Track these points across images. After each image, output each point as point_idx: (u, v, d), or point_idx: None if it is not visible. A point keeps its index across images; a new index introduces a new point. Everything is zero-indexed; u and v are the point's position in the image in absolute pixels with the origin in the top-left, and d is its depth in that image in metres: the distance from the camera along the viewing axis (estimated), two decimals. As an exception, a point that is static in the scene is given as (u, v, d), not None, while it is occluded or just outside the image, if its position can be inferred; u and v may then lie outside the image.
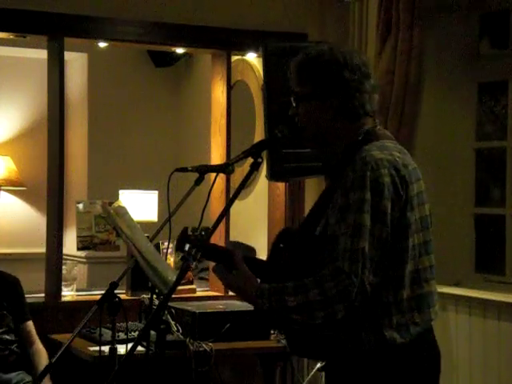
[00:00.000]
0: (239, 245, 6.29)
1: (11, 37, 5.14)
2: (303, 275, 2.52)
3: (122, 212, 3.59)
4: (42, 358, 4.50)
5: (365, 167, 2.50)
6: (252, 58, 6.06)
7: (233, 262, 2.63)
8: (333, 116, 2.65)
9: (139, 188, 5.87)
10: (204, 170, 2.80)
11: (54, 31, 5.01)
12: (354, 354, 2.55)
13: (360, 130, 2.65)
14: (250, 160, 2.70)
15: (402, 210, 2.52)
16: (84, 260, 7.01)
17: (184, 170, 2.81)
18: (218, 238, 5.38)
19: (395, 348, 2.54)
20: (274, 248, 2.73)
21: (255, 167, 2.69)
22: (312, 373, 4.75)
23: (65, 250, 5.26)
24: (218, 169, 2.81)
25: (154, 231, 3.18)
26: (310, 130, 2.70)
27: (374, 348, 2.52)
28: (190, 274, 5.27)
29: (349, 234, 2.46)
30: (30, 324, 4.58)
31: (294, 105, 2.73)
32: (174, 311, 4.51)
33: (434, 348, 2.66)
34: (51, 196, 5.09)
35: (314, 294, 2.45)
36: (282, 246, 2.69)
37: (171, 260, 5.22)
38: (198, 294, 5.33)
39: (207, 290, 5.49)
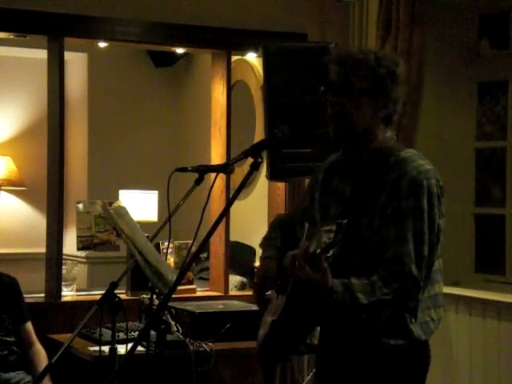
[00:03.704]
0: (239, 245, 6.30)
1: (11, 37, 5.14)
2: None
3: (122, 212, 3.58)
4: (42, 358, 4.48)
5: (419, 176, 2.64)
6: (252, 57, 6.06)
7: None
8: (376, 115, 2.71)
9: (139, 188, 5.87)
10: (204, 170, 2.80)
11: (54, 31, 5.01)
12: (382, 349, 2.66)
13: (386, 135, 2.74)
14: (250, 160, 2.70)
15: (439, 217, 2.67)
16: (84, 260, 7.01)
17: (184, 169, 2.80)
18: (218, 239, 5.38)
19: (419, 345, 2.69)
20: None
21: (255, 167, 2.69)
22: (312, 373, 4.75)
23: (65, 250, 5.26)
24: (218, 169, 2.81)
25: (154, 231, 3.18)
26: (344, 125, 2.71)
27: (401, 344, 2.66)
28: (190, 273, 5.27)
29: (411, 239, 2.58)
30: (29, 325, 4.54)
31: (333, 98, 2.72)
32: (173, 311, 4.51)
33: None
34: (51, 196, 5.09)
35: (384, 293, 2.55)
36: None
37: (171, 260, 5.22)
38: (198, 293, 5.33)
39: (207, 290, 5.49)
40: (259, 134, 6.05)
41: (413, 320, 2.65)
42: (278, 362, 3.87)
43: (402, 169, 2.65)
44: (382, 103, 2.70)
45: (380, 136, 2.73)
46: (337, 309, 2.58)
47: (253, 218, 6.25)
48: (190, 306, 4.62)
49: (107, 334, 4.02)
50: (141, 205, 5.69)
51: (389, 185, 2.64)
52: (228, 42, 5.43)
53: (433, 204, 2.63)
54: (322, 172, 2.91)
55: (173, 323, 4.43)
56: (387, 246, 2.60)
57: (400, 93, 2.73)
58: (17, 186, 7.35)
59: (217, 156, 5.49)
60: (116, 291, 3.14)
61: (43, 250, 5.12)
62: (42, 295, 5.07)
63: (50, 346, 4.56)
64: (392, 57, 2.80)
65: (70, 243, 6.30)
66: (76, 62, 7.34)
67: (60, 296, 5.02)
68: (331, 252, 2.47)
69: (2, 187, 7.30)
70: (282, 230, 2.99)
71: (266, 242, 2.99)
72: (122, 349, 3.54)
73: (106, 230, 5.24)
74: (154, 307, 3.24)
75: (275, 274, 2.83)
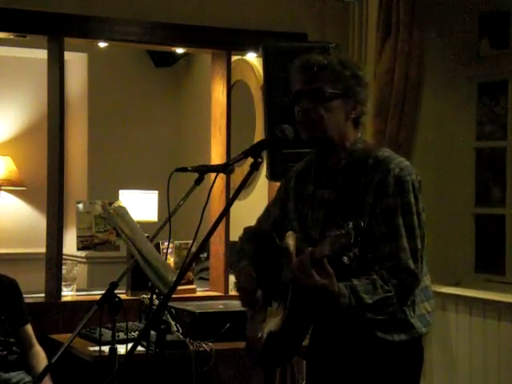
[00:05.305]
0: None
1: (11, 37, 5.13)
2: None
3: (122, 212, 3.58)
4: (41, 360, 4.47)
5: (403, 172, 2.69)
6: (252, 57, 6.06)
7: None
8: (347, 118, 2.77)
9: (139, 188, 5.87)
10: (204, 170, 2.80)
11: (54, 31, 5.01)
12: (383, 347, 2.69)
13: (358, 137, 2.81)
14: (250, 160, 2.71)
15: (423, 211, 2.74)
16: (84, 260, 7.01)
17: (184, 169, 2.81)
18: (218, 239, 5.38)
19: (418, 339, 2.74)
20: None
21: (255, 167, 2.70)
22: None
23: (65, 250, 5.26)
24: (218, 169, 2.81)
25: (154, 231, 3.18)
26: (318, 129, 2.75)
27: (404, 340, 2.70)
28: (190, 273, 5.27)
29: (404, 235, 2.64)
30: (29, 327, 4.52)
31: (304, 104, 2.76)
32: (174, 311, 4.51)
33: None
34: (51, 196, 5.09)
35: (386, 290, 2.59)
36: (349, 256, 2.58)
37: (171, 260, 5.22)
38: (198, 293, 5.33)
39: (207, 290, 5.49)
40: (259, 134, 6.04)
41: (412, 314, 2.70)
42: (279, 365, 3.88)
43: (384, 168, 2.70)
44: (351, 106, 2.76)
45: (352, 138, 2.79)
46: (344, 312, 2.58)
47: (253, 218, 6.23)
48: (190, 306, 4.62)
49: (107, 333, 4.03)
50: (141, 205, 5.68)
51: (374, 185, 2.68)
52: (228, 42, 5.43)
53: (418, 198, 2.69)
54: (292, 181, 2.94)
55: (173, 323, 4.43)
56: (380, 244, 2.64)
57: (365, 95, 2.80)
58: (17, 186, 7.35)
59: (217, 156, 5.49)
60: (116, 291, 3.14)
61: (43, 249, 5.12)
62: (42, 295, 5.07)
63: (50, 346, 4.56)
64: (354, 61, 2.93)
65: (70, 243, 6.30)
66: (76, 62, 7.34)
67: (60, 296, 5.02)
68: (350, 254, 2.47)
69: (2, 187, 7.30)
70: (254, 242, 3.03)
71: (239, 255, 3.02)
72: (122, 349, 3.54)
73: (106, 229, 5.24)
74: (154, 307, 3.25)
75: (255, 280, 2.85)
